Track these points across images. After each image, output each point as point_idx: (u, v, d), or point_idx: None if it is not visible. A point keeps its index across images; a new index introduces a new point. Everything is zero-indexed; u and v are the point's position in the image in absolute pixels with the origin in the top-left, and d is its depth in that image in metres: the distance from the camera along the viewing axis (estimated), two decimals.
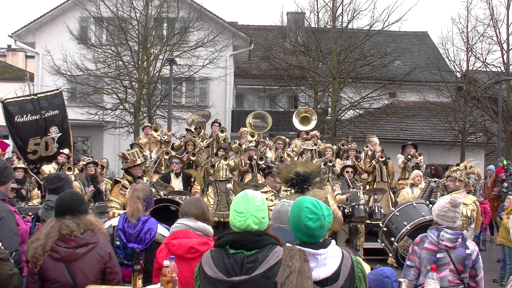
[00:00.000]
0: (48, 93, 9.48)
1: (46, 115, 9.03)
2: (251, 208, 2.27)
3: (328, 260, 2.27)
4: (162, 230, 3.70)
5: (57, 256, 3.02)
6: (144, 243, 3.58)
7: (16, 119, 8.62)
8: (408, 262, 3.75)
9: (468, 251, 3.60)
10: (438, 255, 3.60)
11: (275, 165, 5.26)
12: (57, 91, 9.53)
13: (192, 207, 3.25)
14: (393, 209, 6.89)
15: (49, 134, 9.00)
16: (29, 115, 8.85)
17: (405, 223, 6.42)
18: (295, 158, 4.56)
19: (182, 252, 3.04)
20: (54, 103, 9.22)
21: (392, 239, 6.42)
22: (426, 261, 3.63)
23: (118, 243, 3.64)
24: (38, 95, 9.33)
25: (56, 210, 3.18)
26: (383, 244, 6.60)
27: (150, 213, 3.87)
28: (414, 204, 6.81)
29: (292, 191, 4.29)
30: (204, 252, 2.94)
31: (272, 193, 5.31)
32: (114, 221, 3.80)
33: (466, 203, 5.95)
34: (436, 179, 7.62)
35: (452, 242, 3.59)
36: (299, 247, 2.26)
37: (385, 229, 6.70)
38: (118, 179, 6.61)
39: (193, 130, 11.37)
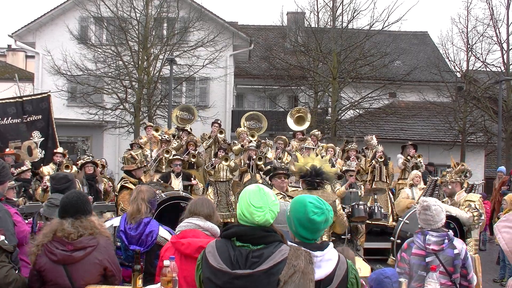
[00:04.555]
0: (35, 97, 9.35)
1: (28, 119, 8.90)
2: (269, 202, 2.28)
3: (324, 262, 2.27)
4: (163, 232, 3.65)
5: (54, 258, 2.98)
6: (145, 245, 3.55)
7: None
8: (397, 269, 3.68)
9: (456, 251, 3.57)
10: (427, 259, 3.57)
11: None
12: (45, 95, 9.35)
13: (205, 207, 3.24)
14: (400, 219, 6.78)
15: (31, 139, 8.87)
16: (10, 118, 8.77)
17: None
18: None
19: (191, 252, 3.02)
20: (39, 107, 9.04)
21: None
22: (416, 267, 3.61)
23: (119, 244, 3.60)
24: (24, 98, 9.20)
25: (60, 209, 3.14)
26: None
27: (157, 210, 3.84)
28: None
29: (299, 189, 4.24)
30: None
31: (281, 196, 5.25)
32: (115, 221, 3.73)
33: (473, 200, 5.94)
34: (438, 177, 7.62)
35: (439, 244, 3.56)
36: (305, 248, 2.25)
37: (398, 241, 6.52)
38: (125, 184, 6.61)
39: (189, 130, 11.13)
